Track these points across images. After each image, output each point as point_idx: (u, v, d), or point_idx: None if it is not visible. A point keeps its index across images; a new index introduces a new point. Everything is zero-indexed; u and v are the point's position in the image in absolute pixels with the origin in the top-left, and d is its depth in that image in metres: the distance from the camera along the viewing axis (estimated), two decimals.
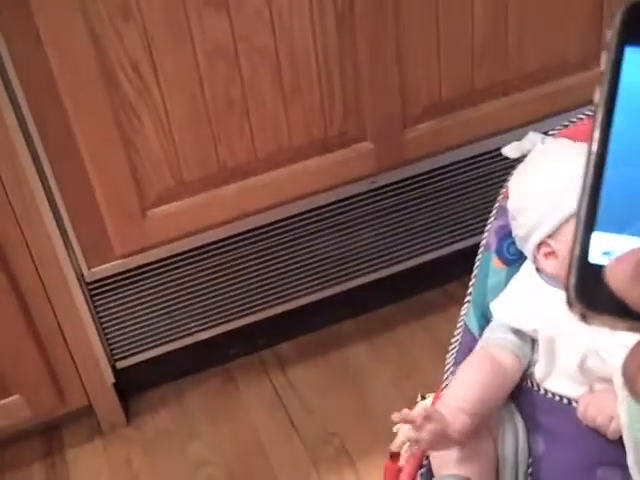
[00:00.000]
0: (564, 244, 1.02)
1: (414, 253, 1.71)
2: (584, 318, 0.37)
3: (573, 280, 0.37)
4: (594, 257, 0.37)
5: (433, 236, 1.70)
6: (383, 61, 1.44)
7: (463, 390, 1.01)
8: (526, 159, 1.11)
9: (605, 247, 0.37)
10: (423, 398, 1.20)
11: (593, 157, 0.38)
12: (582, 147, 1.05)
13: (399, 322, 1.78)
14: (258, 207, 1.53)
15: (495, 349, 1.06)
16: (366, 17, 1.40)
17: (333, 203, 1.60)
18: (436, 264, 1.74)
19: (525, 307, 1.06)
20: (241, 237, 1.57)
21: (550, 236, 1.03)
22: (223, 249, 1.57)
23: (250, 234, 1.57)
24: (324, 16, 1.37)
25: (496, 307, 1.10)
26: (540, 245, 1.05)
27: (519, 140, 1.14)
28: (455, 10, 1.46)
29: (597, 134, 0.38)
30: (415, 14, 1.43)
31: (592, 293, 0.36)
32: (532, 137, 1.12)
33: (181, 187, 1.45)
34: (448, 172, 1.64)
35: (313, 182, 1.53)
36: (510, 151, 1.13)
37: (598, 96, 0.39)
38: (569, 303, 0.37)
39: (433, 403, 1.11)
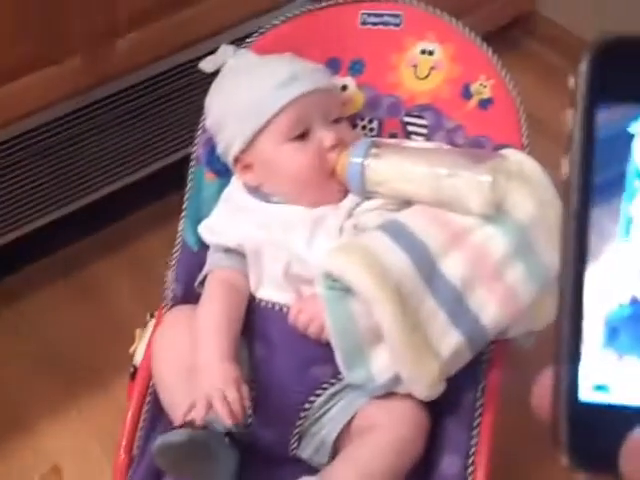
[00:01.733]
0: (257, 155, 1.06)
1: (138, 165, 1.69)
2: (576, 471, 0.29)
3: (564, 432, 0.28)
4: (585, 393, 0.28)
5: (156, 146, 1.68)
6: None
7: (215, 338, 1.00)
8: (218, 76, 1.11)
9: (598, 379, 0.27)
10: (152, 317, 1.21)
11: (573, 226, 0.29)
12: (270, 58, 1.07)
13: (137, 235, 1.75)
14: None
15: (224, 273, 1.07)
16: None
17: (60, 118, 1.53)
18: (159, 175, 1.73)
19: (229, 223, 1.09)
20: None
21: (244, 150, 1.06)
22: None
23: None
24: None
25: (202, 229, 1.12)
26: (238, 160, 1.08)
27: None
28: None
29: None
30: None
31: (588, 444, 0.27)
32: (224, 50, 1.12)
33: None
34: (163, 80, 1.61)
35: (32, 100, 1.46)
36: (206, 65, 1.13)
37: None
38: (561, 458, 0.28)
39: (156, 323, 1.12)
